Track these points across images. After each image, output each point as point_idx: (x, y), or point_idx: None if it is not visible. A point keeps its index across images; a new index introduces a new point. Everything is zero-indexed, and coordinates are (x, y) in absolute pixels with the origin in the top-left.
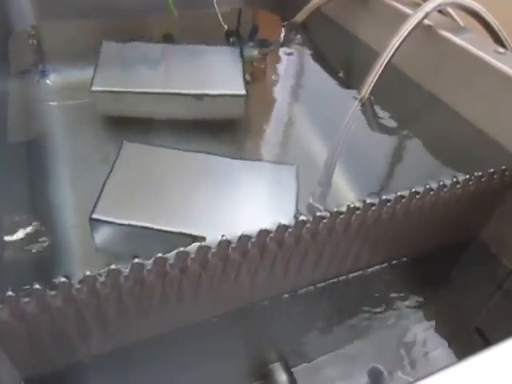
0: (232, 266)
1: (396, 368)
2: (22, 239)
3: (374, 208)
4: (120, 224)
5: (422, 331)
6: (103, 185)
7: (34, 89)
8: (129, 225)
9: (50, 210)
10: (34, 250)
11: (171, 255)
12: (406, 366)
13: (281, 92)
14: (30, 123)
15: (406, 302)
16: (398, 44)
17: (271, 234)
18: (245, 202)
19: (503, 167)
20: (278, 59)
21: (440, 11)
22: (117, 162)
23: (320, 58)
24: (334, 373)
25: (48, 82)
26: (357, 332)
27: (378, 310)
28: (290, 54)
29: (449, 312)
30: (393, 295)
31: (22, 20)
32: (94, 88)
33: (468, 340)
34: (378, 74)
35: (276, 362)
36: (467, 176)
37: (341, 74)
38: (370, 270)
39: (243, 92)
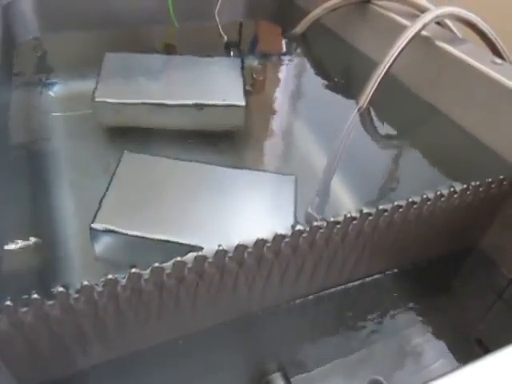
0: (229, 275)
1: (396, 379)
2: (22, 248)
3: (370, 218)
4: (119, 233)
5: (422, 342)
6: (103, 194)
7: (37, 99)
8: (128, 234)
9: (51, 219)
10: (33, 259)
11: (168, 265)
12: (407, 377)
13: (280, 103)
14: (33, 133)
15: (406, 312)
16: (395, 55)
17: (268, 244)
18: (244, 212)
19: (501, 177)
20: (277, 70)
21: (438, 23)
22: (117, 172)
23: (319, 68)
24: (333, 383)
25: (51, 92)
26: (356, 342)
27: (377, 320)
28: (289, 65)
29: (449, 322)
30: (392, 305)
31: (25, 32)
32: (97, 99)
33: (469, 350)
34: (376, 84)
35: (275, 373)
36: (465, 186)
37: (340, 85)
38: (368, 279)
39: (243, 103)
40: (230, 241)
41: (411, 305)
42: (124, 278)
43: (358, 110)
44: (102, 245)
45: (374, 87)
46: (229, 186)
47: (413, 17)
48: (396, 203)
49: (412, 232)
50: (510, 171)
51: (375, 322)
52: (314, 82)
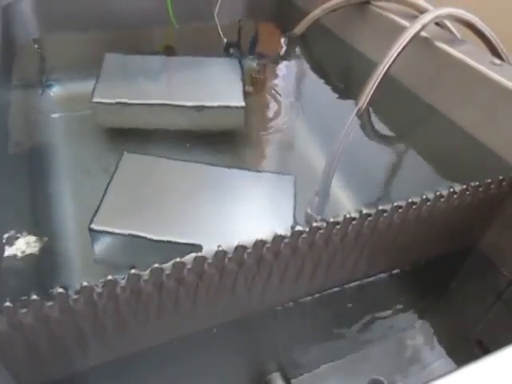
0: (228, 276)
1: (396, 379)
2: (21, 249)
3: (370, 218)
4: (118, 234)
5: (421, 342)
6: (103, 195)
7: (36, 100)
8: (127, 235)
9: (50, 219)
10: (33, 260)
11: (167, 266)
12: (407, 377)
13: (280, 103)
14: (32, 134)
15: (405, 312)
16: (395, 55)
17: (267, 245)
18: (243, 212)
19: (500, 177)
20: (277, 71)
21: (437, 23)
22: (116, 173)
23: (319, 69)
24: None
25: (50, 93)
26: (356, 343)
27: (377, 320)
28: (289, 66)
29: (449, 323)
30: (391, 305)
31: (25, 32)
32: (95, 100)
33: (469, 351)
34: (375, 85)
35: (275, 373)
36: (464, 186)
37: (339, 85)
38: (367, 280)
39: (243, 103)
40: (230, 241)
41: (411, 305)
42: (123, 278)
43: (358, 111)
44: (101, 246)
45: (374, 88)
46: (228, 186)
47: (412, 17)
48: (395, 204)
49: (411, 232)
50: (510, 172)
51: (375, 323)
52: (314, 83)
